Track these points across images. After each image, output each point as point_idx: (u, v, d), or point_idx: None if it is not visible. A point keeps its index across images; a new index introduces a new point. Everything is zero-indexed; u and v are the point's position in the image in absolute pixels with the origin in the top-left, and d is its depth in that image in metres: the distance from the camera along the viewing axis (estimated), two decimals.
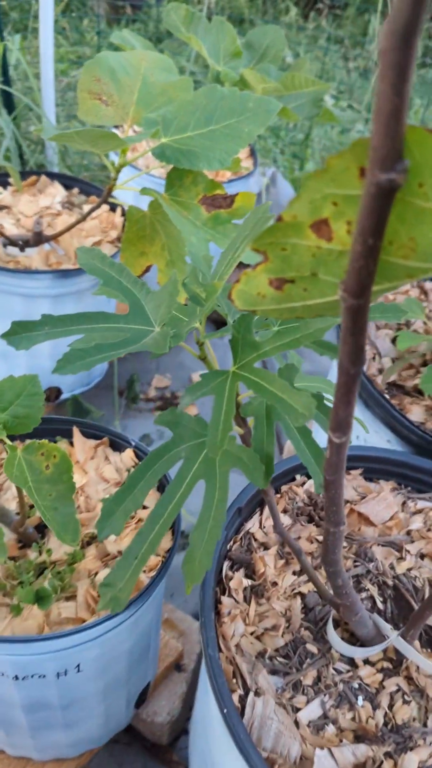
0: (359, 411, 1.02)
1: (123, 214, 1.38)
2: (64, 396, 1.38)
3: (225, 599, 0.71)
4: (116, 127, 1.66)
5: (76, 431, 0.93)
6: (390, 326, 1.14)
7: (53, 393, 1.33)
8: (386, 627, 0.70)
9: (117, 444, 0.95)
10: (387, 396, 0.98)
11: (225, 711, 0.59)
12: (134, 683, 0.91)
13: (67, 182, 1.45)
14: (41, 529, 0.84)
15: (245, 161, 1.84)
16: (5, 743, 0.89)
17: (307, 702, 0.66)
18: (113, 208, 1.40)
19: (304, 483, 0.86)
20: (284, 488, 0.84)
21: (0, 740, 0.89)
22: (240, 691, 0.65)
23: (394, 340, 1.12)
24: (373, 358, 1.08)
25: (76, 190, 1.44)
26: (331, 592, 0.72)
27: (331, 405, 0.57)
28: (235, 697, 0.64)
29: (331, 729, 0.64)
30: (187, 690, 1.05)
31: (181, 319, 0.56)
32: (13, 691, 0.76)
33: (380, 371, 1.05)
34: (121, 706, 0.91)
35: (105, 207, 1.40)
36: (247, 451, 0.54)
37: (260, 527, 0.80)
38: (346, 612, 0.66)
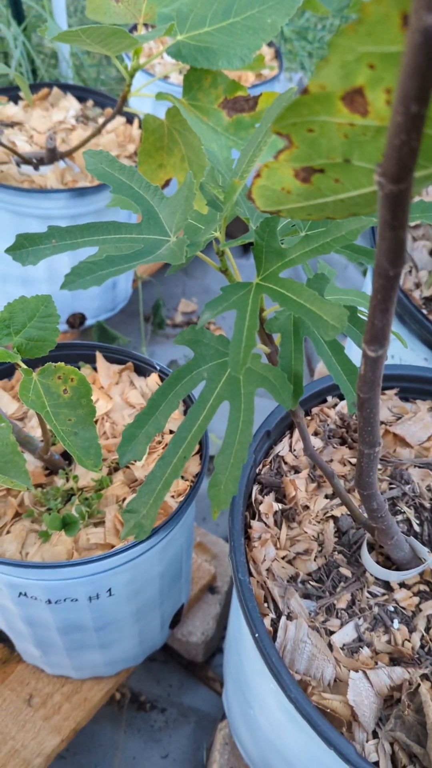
0: (395, 326, 0.96)
1: (140, 125, 1.30)
2: (88, 322, 1.35)
3: (255, 523, 0.69)
4: (132, 29, 1.55)
5: (99, 356, 0.90)
6: (428, 237, 1.07)
7: (77, 319, 1.29)
8: (423, 549, 0.67)
9: (142, 369, 0.92)
10: (425, 311, 0.93)
11: (257, 635, 0.58)
12: (168, 605, 0.91)
13: (81, 94, 1.37)
14: (68, 456, 0.83)
15: (270, 62, 1.71)
16: (43, 662, 0.91)
17: (341, 625, 0.64)
18: (130, 119, 1.32)
19: (336, 405, 0.82)
20: (315, 410, 0.81)
21: (38, 659, 0.91)
22: (272, 615, 0.63)
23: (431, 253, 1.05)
24: (410, 271, 1.01)
25: (90, 103, 1.36)
26: (366, 515, 0.69)
27: (365, 318, 0.52)
28: (267, 621, 0.62)
29: (365, 652, 0.63)
30: (220, 611, 1.06)
31: (199, 228, 0.51)
32: (47, 614, 0.77)
33: (417, 285, 0.99)
34: (155, 628, 0.91)
35: (121, 119, 1.32)
36: (273, 370, 0.50)
37: (290, 450, 0.77)
38: (382, 535, 0.63)
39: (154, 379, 0.89)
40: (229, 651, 0.84)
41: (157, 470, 0.51)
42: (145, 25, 0.95)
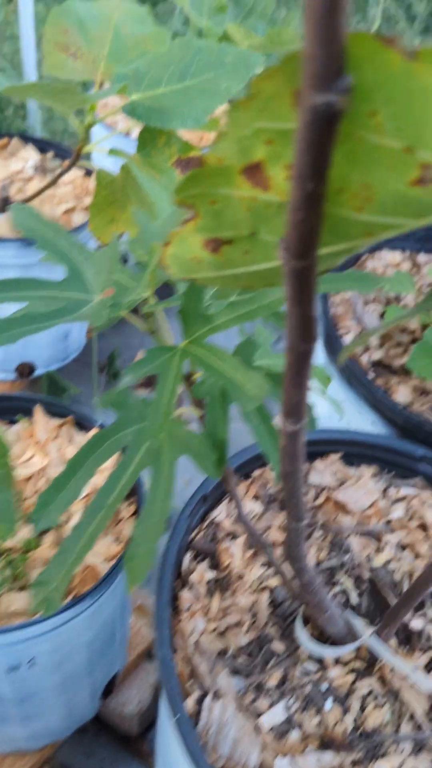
0: (342, 390, 0.96)
1: None
2: (38, 372, 1.32)
3: (185, 594, 0.66)
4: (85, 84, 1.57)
5: (38, 410, 0.88)
6: (379, 300, 1.08)
7: (26, 369, 1.27)
8: (359, 625, 0.65)
9: (83, 424, 0.89)
10: (372, 375, 0.92)
11: (177, 717, 0.54)
12: (99, 674, 0.86)
13: (43, 146, 1.38)
14: None
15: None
16: None
17: (270, 705, 0.61)
18: (89, 173, 1.32)
19: None
20: (256, 473, 0.79)
21: None
22: (197, 693, 0.60)
23: (383, 316, 1.05)
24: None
25: (51, 154, 1.37)
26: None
27: None
28: (192, 700, 0.59)
29: (295, 735, 0.59)
30: (159, 680, 1.01)
31: (128, 288, 0.50)
32: None
33: (366, 349, 0.99)
34: (85, 698, 0.86)
35: (80, 172, 1.33)
36: (196, 437, 0.48)
37: (227, 515, 0.74)
38: (315, 609, 0.61)
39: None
40: (160, 726, 0.79)
41: (70, 541, 0.48)
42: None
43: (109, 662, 0.87)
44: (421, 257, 1.16)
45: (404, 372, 0.98)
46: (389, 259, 1.14)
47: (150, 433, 0.42)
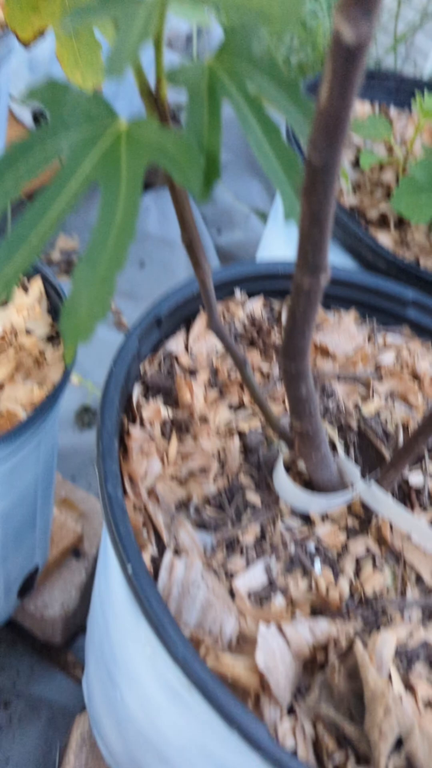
0: None
1: None
2: None
3: (135, 431, 0.50)
4: None
5: None
6: (348, 146, 0.93)
7: None
8: (355, 472, 0.52)
9: None
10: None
11: (130, 571, 0.39)
12: (14, 564, 0.70)
13: None
14: None
15: None
16: None
17: (247, 566, 0.47)
18: None
19: (244, 303, 0.65)
20: (219, 306, 0.63)
21: None
22: (153, 550, 0.45)
23: (354, 164, 0.91)
24: None
25: None
26: (285, 421, 0.53)
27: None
28: (146, 557, 0.44)
29: (279, 601, 0.46)
30: (86, 580, 0.86)
31: None
32: None
33: (340, 194, 0.85)
34: None
35: None
36: (173, 137, 0.32)
37: (186, 350, 0.59)
38: (306, 444, 0.47)
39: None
40: (92, 619, 0.64)
41: None
42: None
43: (27, 551, 0.71)
44: (393, 110, 1.02)
45: (382, 223, 0.85)
46: (359, 110, 0.99)
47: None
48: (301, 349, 0.39)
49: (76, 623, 0.86)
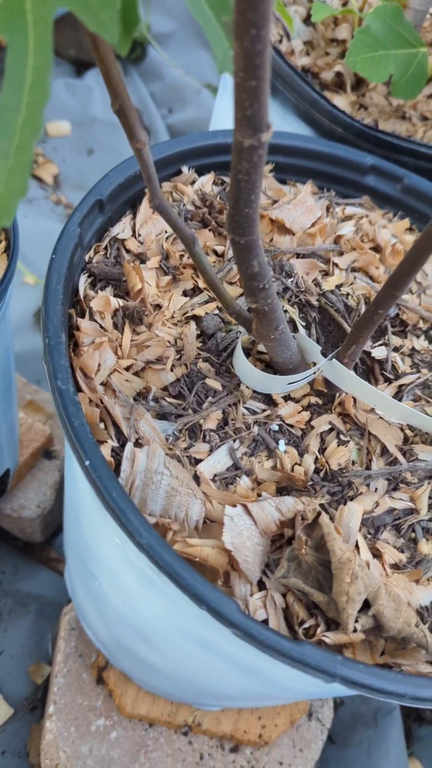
0: None
1: None
2: None
3: (85, 323, 0.48)
4: None
5: None
6: (299, 2, 0.85)
7: None
8: (316, 348, 0.50)
9: None
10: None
11: (87, 463, 0.38)
12: None
13: None
14: None
15: None
16: None
17: (211, 451, 0.46)
18: None
19: (194, 181, 0.61)
20: (166, 186, 0.59)
21: None
22: (113, 443, 0.44)
23: (306, 20, 0.84)
24: (280, 40, 0.80)
25: None
26: (240, 300, 0.51)
27: None
28: (107, 450, 0.43)
29: (245, 482, 0.46)
30: (60, 479, 0.86)
31: None
32: None
33: (290, 55, 0.78)
34: None
35: None
36: None
37: (134, 235, 0.55)
38: (263, 324, 0.45)
39: None
40: (66, 512, 0.64)
41: None
42: None
43: None
44: None
45: (337, 86, 0.79)
46: None
47: None
48: (248, 218, 0.36)
49: (54, 521, 0.88)
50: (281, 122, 0.74)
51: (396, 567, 0.46)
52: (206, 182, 0.60)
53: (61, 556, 0.89)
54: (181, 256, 0.55)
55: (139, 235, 0.55)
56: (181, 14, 1.57)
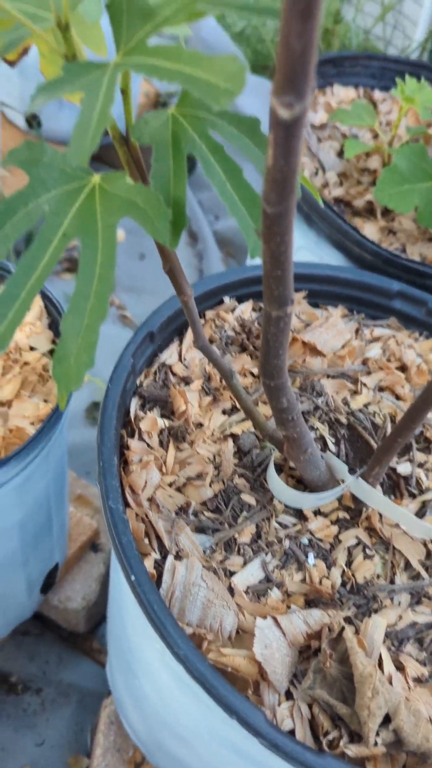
0: (299, 233, 0.83)
1: None
2: None
3: (134, 443, 0.54)
4: None
5: None
6: (334, 137, 0.94)
7: None
8: (343, 468, 0.55)
9: None
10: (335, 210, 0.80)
11: (133, 578, 0.43)
12: (35, 565, 0.75)
13: None
14: None
15: None
16: None
17: (245, 563, 0.51)
18: None
19: (234, 309, 0.68)
20: (209, 314, 0.66)
21: None
22: (156, 555, 0.49)
23: (340, 154, 0.92)
24: (316, 172, 0.88)
25: None
26: (273, 424, 0.56)
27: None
28: (150, 563, 0.48)
29: (275, 594, 0.50)
30: (105, 572, 0.91)
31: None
32: None
33: (325, 186, 0.86)
34: (21, 592, 0.75)
35: None
36: (143, 191, 0.35)
37: (180, 359, 0.62)
38: (293, 448, 0.50)
39: None
40: (111, 611, 0.69)
41: None
42: None
43: (46, 552, 0.76)
44: (377, 94, 1.02)
45: (368, 212, 0.87)
46: (342, 96, 1.00)
47: (74, 153, 0.29)
48: (277, 368, 0.42)
49: (98, 612, 0.91)
50: (315, 248, 0.81)
51: (418, 680, 0.48)
52: (245, 309, 0.67)
53: (103, 646, 0.92)
54: (221, 378, 0.61)
55: (185, 359, 0.62)
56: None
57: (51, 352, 0.68)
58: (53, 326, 0.70)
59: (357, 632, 0.49)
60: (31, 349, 0.68)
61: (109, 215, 0.35)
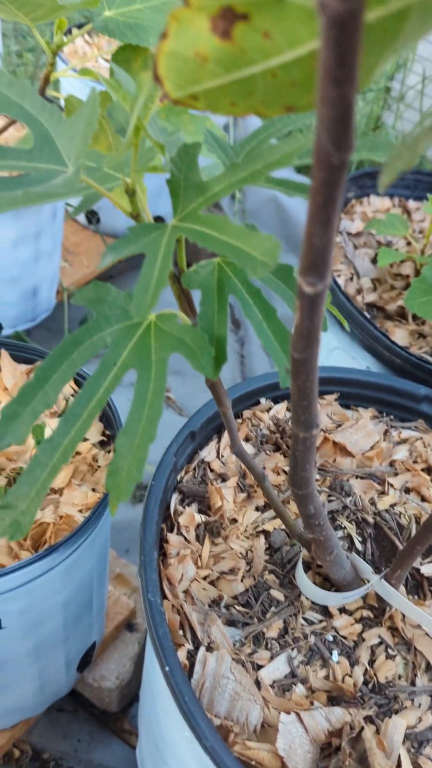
0: (334, 335, 0.89)
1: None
2: (5, 332, 1.23)
3: (173, 537, 0.58)
4: None
5: (4, 354, 0.79)
6: (369, 245, 1.01)
7: None
8: (367, 568, 0.58)
9: None
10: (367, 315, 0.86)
11: (167, 669, 0.47)
12: (75, 643, 0.78)
13: None
14: None
15: None
16: None
17: (271, 658, 0.54)
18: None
19: (269, 409, 0.73)
20: (246, 414, 0.72)
21: None
22: (189, 646, 0.53)
23: (374, 260, 0.99)
24: (351, 278, 0.95)
25: None
26: (301, 525, 0.60)
27: None
28: (183, 653, 0.52)
29: (300, 690, 0.53)
30: (139, 652, 0.94)
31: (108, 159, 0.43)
32: None
33: (359, 292, 0.93)
34: (60, 670, 0.78)
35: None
36: (191, 331, 0.41)
37: (218, 456, 0.67)
38: (319, 549, 0.54)
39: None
40: (143, 694, 0.72)
41: (43, 454, 0.40)
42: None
43: (85, 630, 0.80)
44: (411, 203, 1.10)
45: (400, 316, 0.92)
46: (378, 205, 1.08)
47: (138, 308, 0.35)
48: (304, 479, 0.47)
49: (131, 692, 0.94)
50: (350, 349, 0.87)
51: None
52: (279, 410, 0.72)
53: (133, 727, 0.94)
54: None
55: (222, 456, 0.67)
56: (269, 224, 1.81)
57: (101, 443, 0.74)
58: (103, 418, 0.76)
59: (377, 731, 0.51)
60: (84, 440, 0.74)
61: (162, 350, 0.41)
